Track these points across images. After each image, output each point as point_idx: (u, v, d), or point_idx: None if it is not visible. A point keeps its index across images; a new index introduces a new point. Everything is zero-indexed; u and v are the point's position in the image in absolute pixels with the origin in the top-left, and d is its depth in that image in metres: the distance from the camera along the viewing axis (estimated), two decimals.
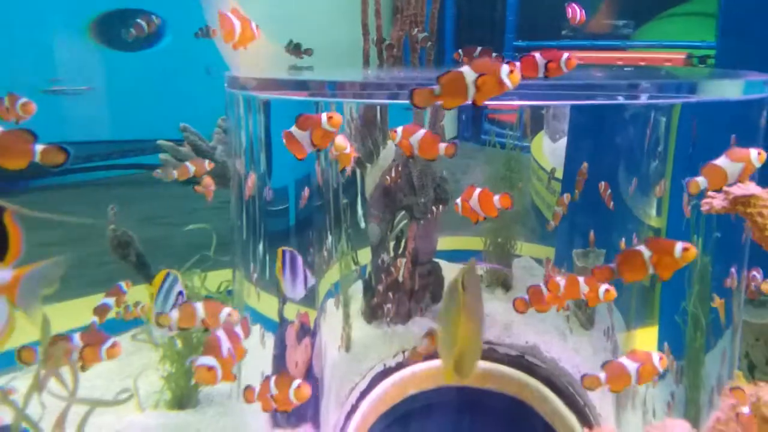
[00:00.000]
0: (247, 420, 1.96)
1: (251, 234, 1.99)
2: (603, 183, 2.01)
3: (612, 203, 1.99)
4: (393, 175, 2.61)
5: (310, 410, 2.00)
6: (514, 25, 4.55)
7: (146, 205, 4.40)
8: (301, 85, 1.87)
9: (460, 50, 2.22)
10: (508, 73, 1.05)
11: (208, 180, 2.49)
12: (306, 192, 2.05)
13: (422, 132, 1.42)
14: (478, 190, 1.47)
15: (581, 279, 1.39)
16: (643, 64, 3.88)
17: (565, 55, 1.19)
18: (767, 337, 2.08)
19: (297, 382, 1.32)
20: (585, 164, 2.03)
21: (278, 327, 1.97)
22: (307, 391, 1.32)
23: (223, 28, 1.34)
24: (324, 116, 1.15)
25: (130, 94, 5.17)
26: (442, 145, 1.41)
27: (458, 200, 1.50)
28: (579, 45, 4.31)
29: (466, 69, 1.06)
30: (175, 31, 4.73)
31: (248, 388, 1.34)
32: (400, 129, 1.43)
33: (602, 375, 1.26)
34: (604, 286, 1.37)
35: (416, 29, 2.67)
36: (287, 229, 2.10)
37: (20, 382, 2.26)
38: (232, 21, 1.33)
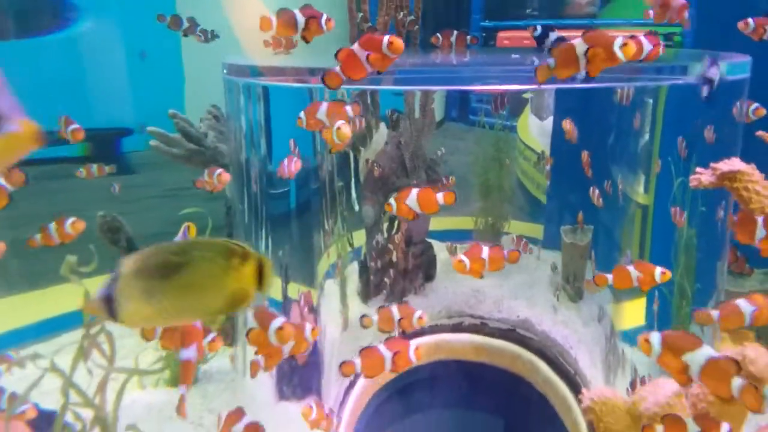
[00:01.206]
0: (254, 393, 2.02)
1: (253, 217, 2.04)
2: (585, 152, 2.08)
3: (591, 171, 2.06)
4: (383, 163, 2.67)
5: (314, 383, 2.08)
6: (480, 5, 4.60)
7: (62, 196, 4.14)
8: (295, 72, 1.93)
9: (438, 34, 2.27)
10: (621, 45, 1.05)
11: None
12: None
13: (324, 105, 1.49)
14: (416, 190, 1.46)
15: (631, 267, 1.43)
16: None
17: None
18: None
19: (414, 343, 1.41)
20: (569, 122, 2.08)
21: (282, 305, 2.03)
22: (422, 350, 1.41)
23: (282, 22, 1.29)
24: (386, 39, 1.13)
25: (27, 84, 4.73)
26: (348, 108, 1.49)
27: (391, 200, 1.48)
28: (545, 24, 4.35)
29: (577, 41, 1.07)
30: (95, 16, 4.49)
31: (346, 363, 1.41)
32: (302, 113, 1.51)
33: (715, 313, 1.27)
34: (659, 269, 1.41)
35: (402, 13, 2.71)
36: (288, 212, 2.15)
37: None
38: (295, 16, 1.30)
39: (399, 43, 1.11)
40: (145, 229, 2.93)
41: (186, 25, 2.60)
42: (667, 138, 1.77)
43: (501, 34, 4.10)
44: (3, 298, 2.94)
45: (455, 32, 2.16)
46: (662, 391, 1.14)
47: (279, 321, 1.27)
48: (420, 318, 1.59)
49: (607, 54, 1.05)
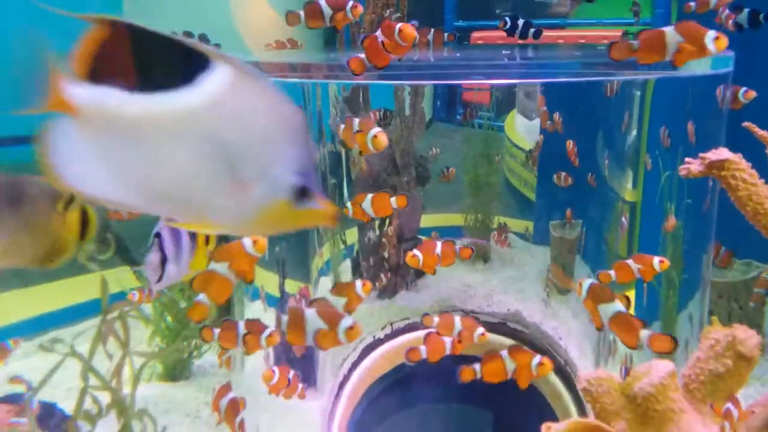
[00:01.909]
0: (253, 385, 2.03)
1: None
2: (570, 141, 2.12)
3: (577, 160, 2.11)
4: (373, 160, 2.71)
5: (312, 376, 2.10)
6: (454, 5, 4.66)
7: None
8: (291, 68, 1.95)
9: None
10: (714, 39, 1.06)
11: None
12: None
13: None
14: (371, 195, 1.59)
15: (630, 261, 1.49)
16: (582, 42, 3.99)
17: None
18: (729, 295, 2.27)
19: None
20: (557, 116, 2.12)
21: (279, 300, 2.05)
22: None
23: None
24: (397, 26, 1.14)
25: None
26: None
27: (348, 204, 1.62)
28: (513, 17, 4.38)
29: (668, 29, 1.08)
30: None
31: (413, 350, 1.52)
32: None
33: None
34: (657, 258, 1.47)
35: (389, 10, 2.74)
36: None
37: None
38: (321, 7, 1.30)
39: (408, 30, 1.13)
40: (133, 228, 2.94)
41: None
42: (655, 132, 1.82)
43: (474, 34, 4.15)
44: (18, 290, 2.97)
45: (432, 30, 2.21)
46: (656, 371, 1.17)
47: (348, 320, 1.28)
48: (482, 335, 1.61)
49: (697, 46, 1.07)
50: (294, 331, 1.31)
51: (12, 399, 1.75)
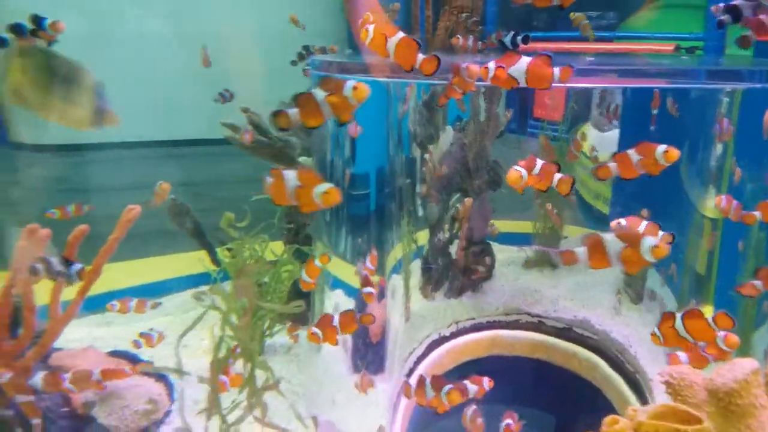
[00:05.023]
0: (330, 366, 2.12)
1: (335, 212, 2.15)
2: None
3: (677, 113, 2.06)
4: (447, 163, 2.78)
5: (382, 363, 2.18)
6: (494, 16, 4.67)
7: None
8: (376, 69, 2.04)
9: (458, 36, 2.40)
10: None
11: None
12: None
13: None
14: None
15: None
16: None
17: None
18: None
19: None
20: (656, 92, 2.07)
21: (359, 290, 2.14)
22: None
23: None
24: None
25: None
26: None
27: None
28: (558, 36, 4.34)
29: None
30: None
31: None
32: None
33: None
34: None
35: (465, 15, 2.80)
36: (367, 214, 2.26)
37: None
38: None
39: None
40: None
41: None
42: (743, 143, 1.83)
43: None
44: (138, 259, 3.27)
45: (471, 36, 2.29)
46: (740, 368, 1.20)
47: None
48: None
49: None
50: None
51: (119, 354, 1.91)
